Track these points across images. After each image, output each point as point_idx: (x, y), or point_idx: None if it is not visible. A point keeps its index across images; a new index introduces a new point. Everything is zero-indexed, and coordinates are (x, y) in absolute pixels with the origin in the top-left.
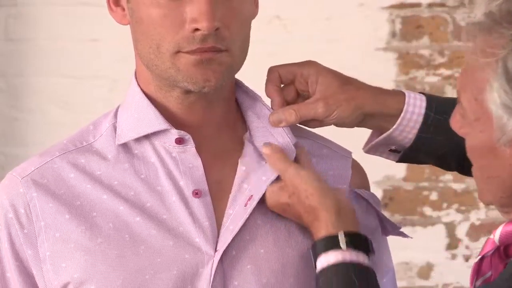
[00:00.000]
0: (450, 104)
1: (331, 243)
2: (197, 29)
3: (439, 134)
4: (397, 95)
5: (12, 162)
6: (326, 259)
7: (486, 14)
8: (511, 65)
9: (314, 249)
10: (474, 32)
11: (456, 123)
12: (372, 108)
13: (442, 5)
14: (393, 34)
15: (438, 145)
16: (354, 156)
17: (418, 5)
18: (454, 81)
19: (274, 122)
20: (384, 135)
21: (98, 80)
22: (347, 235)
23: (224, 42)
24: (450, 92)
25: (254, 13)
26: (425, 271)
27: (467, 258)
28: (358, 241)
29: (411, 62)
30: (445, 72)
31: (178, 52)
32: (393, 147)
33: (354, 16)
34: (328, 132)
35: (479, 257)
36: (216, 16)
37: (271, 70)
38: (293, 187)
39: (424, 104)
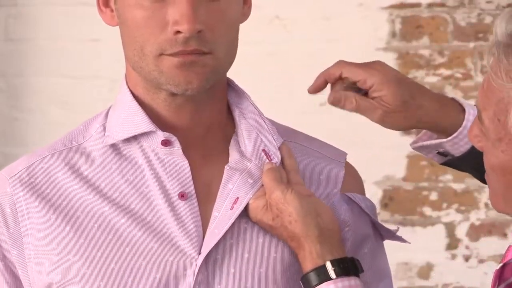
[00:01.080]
0: None
1: (320, 275)
2: (179, 32)
3: None
4: (456, 110)
5: (11, 162)
6: None
7: (510, 34)
8: None
9: (304, 282)
10: (498, 53)
11: (475, 137)
12: (428, 125)
13: (442, 5)
14: (393, 34)
15: None
16: (351, 156)
17: (418, 5)
18: (454, 81)
19: (333, 100)
20: (435, 141)
21: (98, 80)
22: (334, 262)
23: (207, 44)
24: (450, 92)
25: (244, 15)
26: (425, 271)
27: (467, 258)
28: (346, 266)
29: (411, 62)
30: (445, 72)
31: (161, 54)
32: (441, 150)
33: (354, 16)
34: (328, 131)
35: (501, 264)
36: (197, 18)
37: (341, 67)
38: (278, 210)
39: None
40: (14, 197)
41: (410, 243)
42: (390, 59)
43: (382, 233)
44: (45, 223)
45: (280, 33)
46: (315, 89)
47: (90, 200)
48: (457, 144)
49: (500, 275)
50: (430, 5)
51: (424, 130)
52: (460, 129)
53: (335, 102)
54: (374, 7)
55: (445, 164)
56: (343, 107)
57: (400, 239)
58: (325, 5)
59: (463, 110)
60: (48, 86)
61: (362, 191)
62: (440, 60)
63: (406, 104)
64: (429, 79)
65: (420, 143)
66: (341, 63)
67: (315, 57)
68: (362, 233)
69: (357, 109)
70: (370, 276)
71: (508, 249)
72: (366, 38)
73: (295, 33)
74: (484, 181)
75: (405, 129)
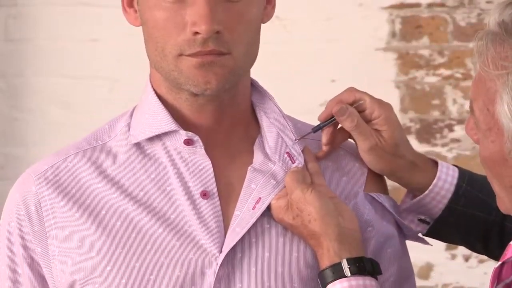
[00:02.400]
0: (482, 180)
1: (336, 272)
2: (197, 33)
3: (469, 207)
4: (431, 165)
5: (12, 162)
6: None
7: (499, 23)
8: None
9: (320, 278)
10: (486, 41)
11: (471, 130)
12: (404, 178)
13: (441, 5)
14: (392, 34)
15: (466, 219)
16: None
17: (417, 5)
18: (454, 81)
19: (339, 111)
20: (415, 200)
21: (98, 80)
22: (351, 261)
23: (226, 45)
24: (450, 92)
25: (267, 15)
26: (425, 271)
27: (466, 258)
28: (362, 266)
29: (410, 62)
30: (444, 72)
31: (180, 55)
32: (422, 217)
33: (354, 16)
34: None
35: (500, 263)
36: (215, 19)
37: (354, 93)
38: (299, 209)
39: (456, 174)
40: (39, 195)
41: (432, 245)
42: (390, 59)
43: (405, 233)
44: (70, 221)
45: (280, 33)
46: (326, 117)
47: (114, 198)
48: (435, 200)
49: (499, 274)
50: (430, 5)
51: (403, 197)
52: (435, 180)
53: (339, 113)
54: (374, 7)
55: (429, 233)
56: (342, 122)
57: (422, 240)
58: (325, 5)
59: (437, 164)
60: (48, 86)
61: (385, 190)
62: (440, 60)
63: (396, 147)
64: (429, 79)
65: (400, 209)
66: (352, 89)
67: (315, 57)
68: (386, 232)
69: (355, 129)
70: (394, 275)
71: (507, 248)
72: (366, 38)
73: (295, 33)
74: (471, 247)
75: (383, 171)
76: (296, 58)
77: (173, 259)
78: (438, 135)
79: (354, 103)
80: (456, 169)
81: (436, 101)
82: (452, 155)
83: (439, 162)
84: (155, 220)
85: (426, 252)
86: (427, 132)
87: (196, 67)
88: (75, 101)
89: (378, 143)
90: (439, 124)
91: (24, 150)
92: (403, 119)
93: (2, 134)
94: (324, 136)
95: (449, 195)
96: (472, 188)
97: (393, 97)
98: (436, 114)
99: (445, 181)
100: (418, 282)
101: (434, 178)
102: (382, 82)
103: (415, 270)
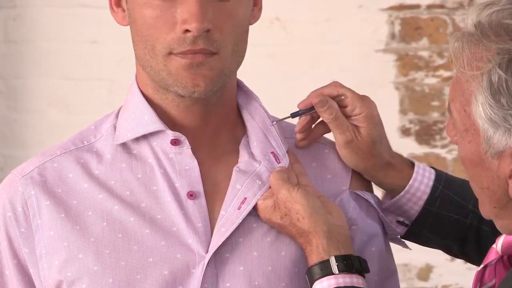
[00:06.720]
0: (459, 183)
1: (323, 268)
2: (187, 30)
3: (445, 209)
4: (408, 167)
5: (11, 164)
6: (320, 286)
7: (475, 24)
8: (496, 79)
9: (308, 275)
10: (462, 43)
11: (450, 131)
12: (378, 177)
13: (441, 6)
14: (392, 36)
15: (443, 221)
16: None
17: (417, 6)
18: None
19: (319, 102)
20: (392, 201)
21: (97, 82)
22: (339, 258)
23: (215, 44)
24: None
25: (253, 17)
26: (425, 272)
27: None
28: (350, 263)
29: (410, 64)
30: (444, 73)
31: (170, 53)
32: (400, 219)
33: (354, 17)
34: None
35: (482, 265)
36: (206, 17)
37: (337, 88)
38: (286, 208)
39: (433, 176)
40: (26, 196)
41: (411, 249)
42: (390, 61)
43: (387, 231)
44: (56, 221)
45: (280, 34)
46: (306, 106)
47: (100, 199)
48: (411, 201)
49: (481, 277)
50: (429, 7)
51: (385, 193)
52: (411, 181)
53: (319, 104)
54: (374, 9)
55: (408, 235)
56: (321, 113)
57: (403, 244)
58: (325, 7)
59: (413, 165)
60: (47, 88)
61: (370, 188)
62: (439, 61)
63: (373, 145)
64: (428, 81)
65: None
66: (337, 84)
67: (315, 58)
68: (370, 231)
69: (332, 122)
70: (377, 274)
71: (489, 251)
72: (366, 40)
73: (295, 35)
74: (449, 251)
75: (357, 167)
76: (296, 59)
77: (160, 259)
78: (437, 137)
79: (337, 98)
80: (433, 171)
81: (435, 103)
82: (451, 157)
83: (416, 163)
84: (142, 220)
85: (425, 254)
86: (426, 134)
87: (184, 69)
88: (75, 102)
89: (354, 139)
90: (439, 126)
91: (23, 152)
92: (403, 121)
93: (2, 135)
94: (299, 124)
95: (424, 197)
96: (448, 191)
97: (392, 99)
98: (435, 115)
99: (420, 183)
100: (418, 283)
101: (410, 180)
102: (381, 84)
103: (415, 271)
